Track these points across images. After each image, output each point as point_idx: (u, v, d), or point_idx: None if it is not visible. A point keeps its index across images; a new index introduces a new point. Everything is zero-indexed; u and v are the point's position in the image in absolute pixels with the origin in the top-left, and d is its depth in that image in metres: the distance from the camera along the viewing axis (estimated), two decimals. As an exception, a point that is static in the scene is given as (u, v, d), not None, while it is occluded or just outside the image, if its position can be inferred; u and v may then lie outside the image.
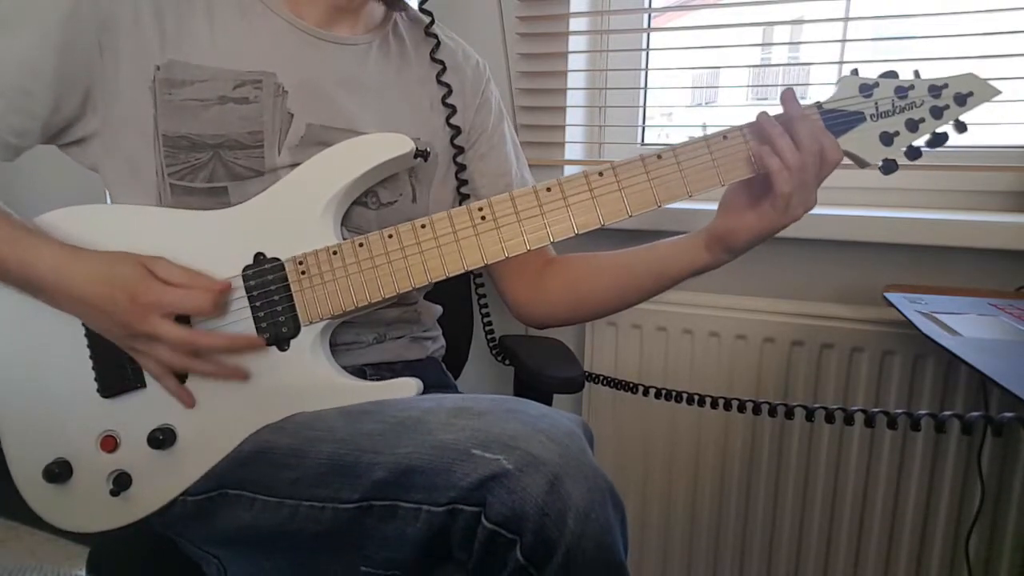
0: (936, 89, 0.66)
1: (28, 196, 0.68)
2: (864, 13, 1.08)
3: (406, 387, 0.68)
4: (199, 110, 0.68)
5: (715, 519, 1.20)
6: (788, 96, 0.65)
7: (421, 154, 0.72)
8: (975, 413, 0.73)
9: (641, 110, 1.30)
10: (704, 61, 1.29)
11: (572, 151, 1.29)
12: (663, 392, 1.06)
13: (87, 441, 0.67)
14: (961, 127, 0.66)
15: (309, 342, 0.68)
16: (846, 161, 0.67)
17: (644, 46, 1.27)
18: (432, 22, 0.81)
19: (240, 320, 0.67)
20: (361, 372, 0.76)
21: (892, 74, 0.67)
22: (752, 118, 0.67)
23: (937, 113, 0.66)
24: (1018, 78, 0.99)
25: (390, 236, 0.67)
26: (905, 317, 0.83)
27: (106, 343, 0.66)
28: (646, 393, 1.10)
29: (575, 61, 1.26)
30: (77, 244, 0.65)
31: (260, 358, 0.67)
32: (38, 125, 0.68)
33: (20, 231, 0.64)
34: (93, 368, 0.67)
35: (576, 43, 1.26)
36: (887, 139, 0.67)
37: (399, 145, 0.70)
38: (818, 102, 0.68)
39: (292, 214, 0.69)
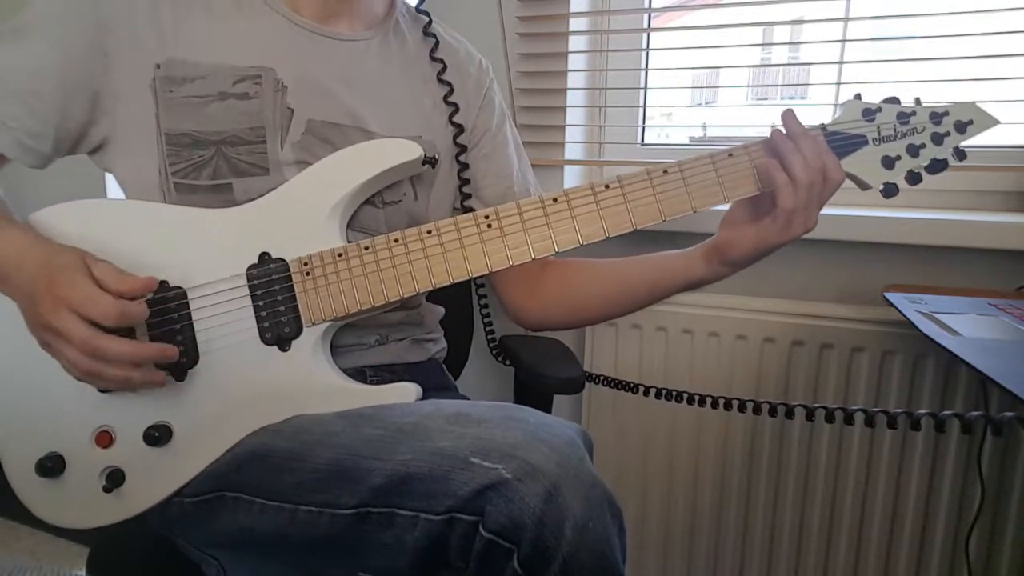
0: (937, 116, 0.68)
1: (31, 192, 0.69)
2: (864, 13, 1.08)
3: (405, 392, 0.68)
4: (200, 107, 0.68)
5: (715, 519, 1.20)
6: (789, 116, 0.67)
7: (429, 161, 0.72)
8: (975, 413, 0.73)
9: (641, 110, 1.30)
10: (704, 61, 1.29)
11: (572, 151, 1.29)
12: (663, 392, 1.06)
13: (82, 436, 0.67)
14: (960, 155, 0.68)
15: (310, 344, 0.68)
16: (847, 183, 0.69)
17: (644, 46, 1.27)
18: (430, 22, 0.82)
19: (242, 319, 0.67)
20: (362, 373, 0.76)
21: (894, 100, 0.69)
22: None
23: (938, 140, 0.68)
24: (1018, 78, 0.99)
25: (396, 241, 0.68)
26: (905, 317, 0.83)
27: None
28: (646, 393, 1.10)
29: (575, 61, 1.26)
30: (79, 240, 0.65)
31: (260, 358, 0.67)
32: (51, 129, 0.68)
33: None
34: None
35: (576, 43, 1.26)
36: (889, 163, 0.68)
37: (408, 151, 0.70)
38: (822, 124, 0.69)
39: (299, 215, 0.69)
